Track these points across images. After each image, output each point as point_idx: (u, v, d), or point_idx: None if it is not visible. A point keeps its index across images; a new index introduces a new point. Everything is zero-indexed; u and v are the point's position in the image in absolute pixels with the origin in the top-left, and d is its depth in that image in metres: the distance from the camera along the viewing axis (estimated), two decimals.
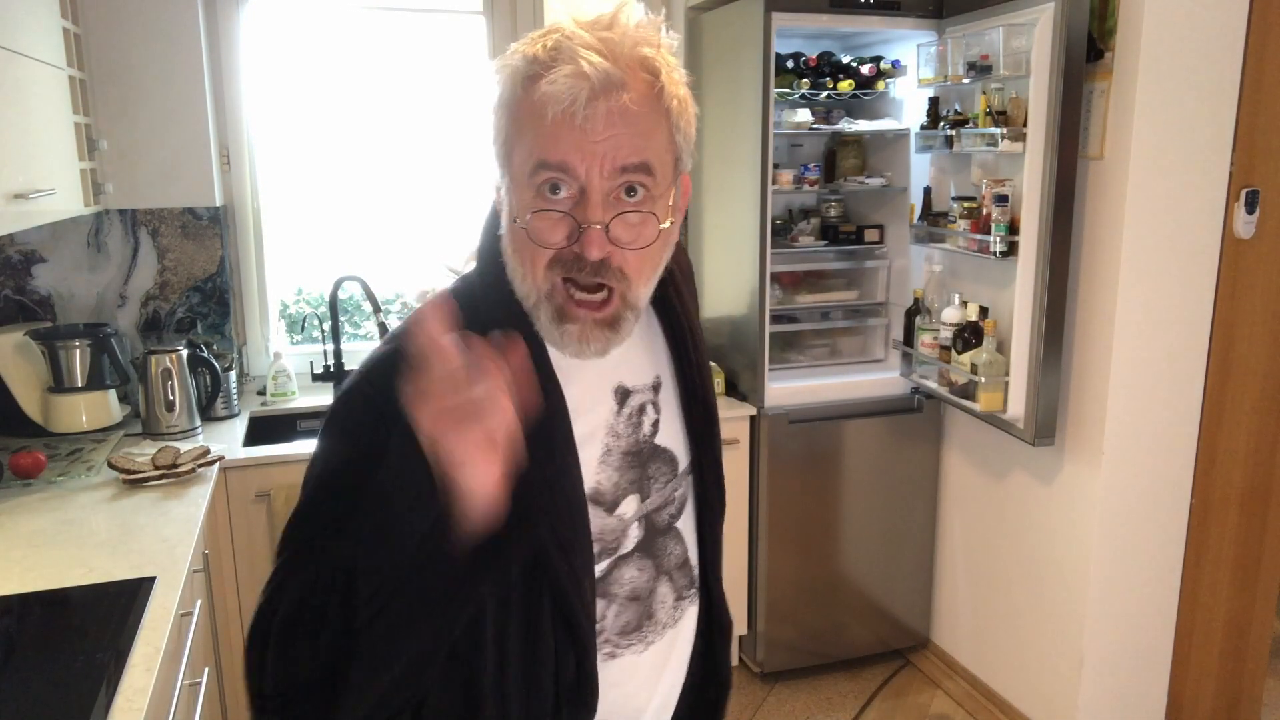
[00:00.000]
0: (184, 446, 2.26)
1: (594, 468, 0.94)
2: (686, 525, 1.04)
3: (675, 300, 1.00)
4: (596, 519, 0.94)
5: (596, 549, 0.93)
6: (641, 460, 0.98)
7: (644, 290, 0.88)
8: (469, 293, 0.92)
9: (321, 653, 0.77)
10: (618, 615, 0.98)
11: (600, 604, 0.96)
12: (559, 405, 0.89)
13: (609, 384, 0.96)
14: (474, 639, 0.88)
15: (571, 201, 0.82)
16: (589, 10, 0.84)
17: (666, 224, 0.85)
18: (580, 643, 0.91)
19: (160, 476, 2.10)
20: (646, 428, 0.98)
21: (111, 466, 2.11)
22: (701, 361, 1.03)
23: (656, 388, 0.99)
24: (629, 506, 0.97)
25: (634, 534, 0.98)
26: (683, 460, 1.02)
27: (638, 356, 0.98)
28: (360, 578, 0.76)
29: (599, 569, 0.95)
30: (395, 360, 0.78)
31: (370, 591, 0.76)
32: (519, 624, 0.89)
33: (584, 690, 0.93)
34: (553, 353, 0.90)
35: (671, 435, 1.00)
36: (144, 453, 2.22)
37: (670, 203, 0.87)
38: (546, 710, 0.91)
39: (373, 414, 0.82)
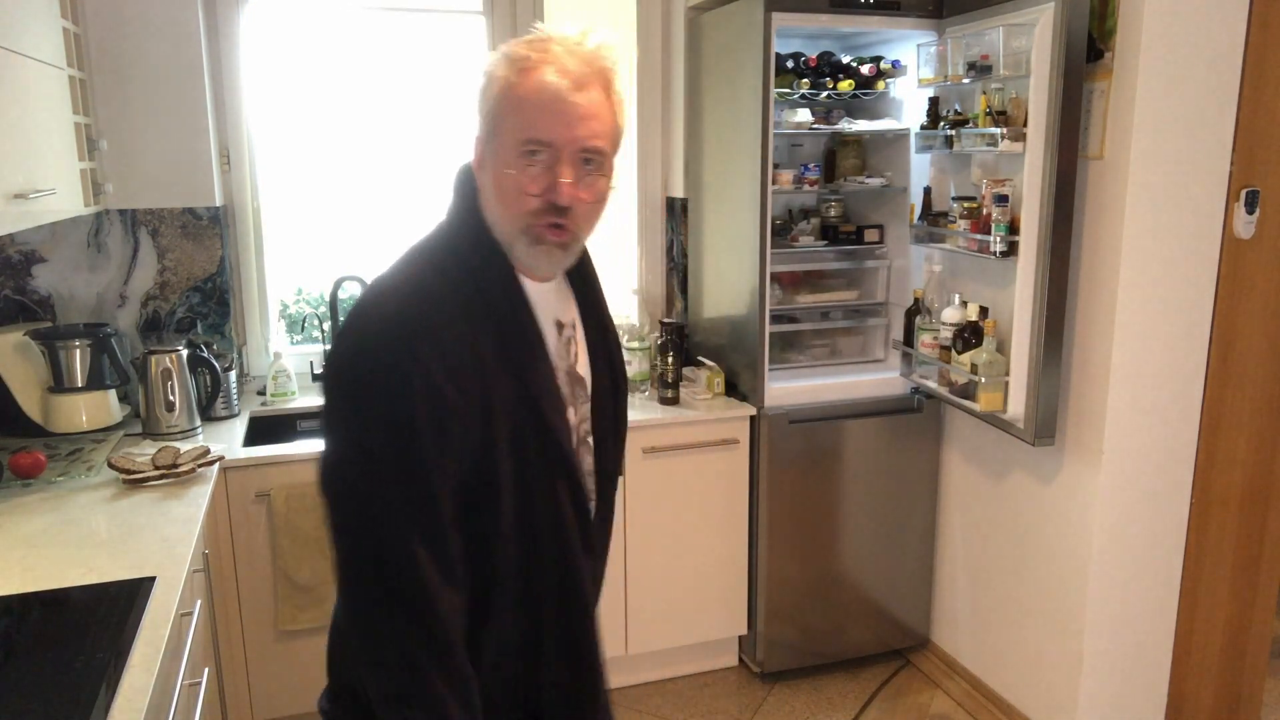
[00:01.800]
0: (184, 446, 2.26)
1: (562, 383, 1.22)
2: (594, 443, 1.28)
3: (585, 260, 1.28)
4: (568, 445, 1.20)
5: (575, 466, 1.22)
6: (571, 381, 1.23)
7: (587, 233, 1.19)
8: (449, 236, 1.19)
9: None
10: (589, 534, 1.24)
11: (587, 518, 1.24)
12: (543, 347, 1.17)
13: (551, 316, 1.21)
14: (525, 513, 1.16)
15: (547, 164, 1.11)
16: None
17: (606, 184, 1.16)
18: (582, 503, 1.21)
19: (160, 476, 2.10)
20: (572, 355, 1.24)
21: (112, 466, 2.11)
22: (602, 307, 1.30)
23: (574, 323, 1.26)
24: (572, 415, 1.22)
25: (586, 460, 1.26)
26: (590, 384, 1.27)
27: (561, 300, 1.24)
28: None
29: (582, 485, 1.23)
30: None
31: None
32: (551, 494, 1.17)
33: (591, 538, 1.23)
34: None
35: (584, 365, 1.26)
36: (144, 453, 2.22)
37: (611, 172, 1.17)
38: (578, 549, 1.20)
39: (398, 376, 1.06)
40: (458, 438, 1.06)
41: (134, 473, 2.08)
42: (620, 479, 1.37)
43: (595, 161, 1.12)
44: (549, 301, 1.20)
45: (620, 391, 1.33)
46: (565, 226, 1.13)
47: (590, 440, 1.27)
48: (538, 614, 1.19)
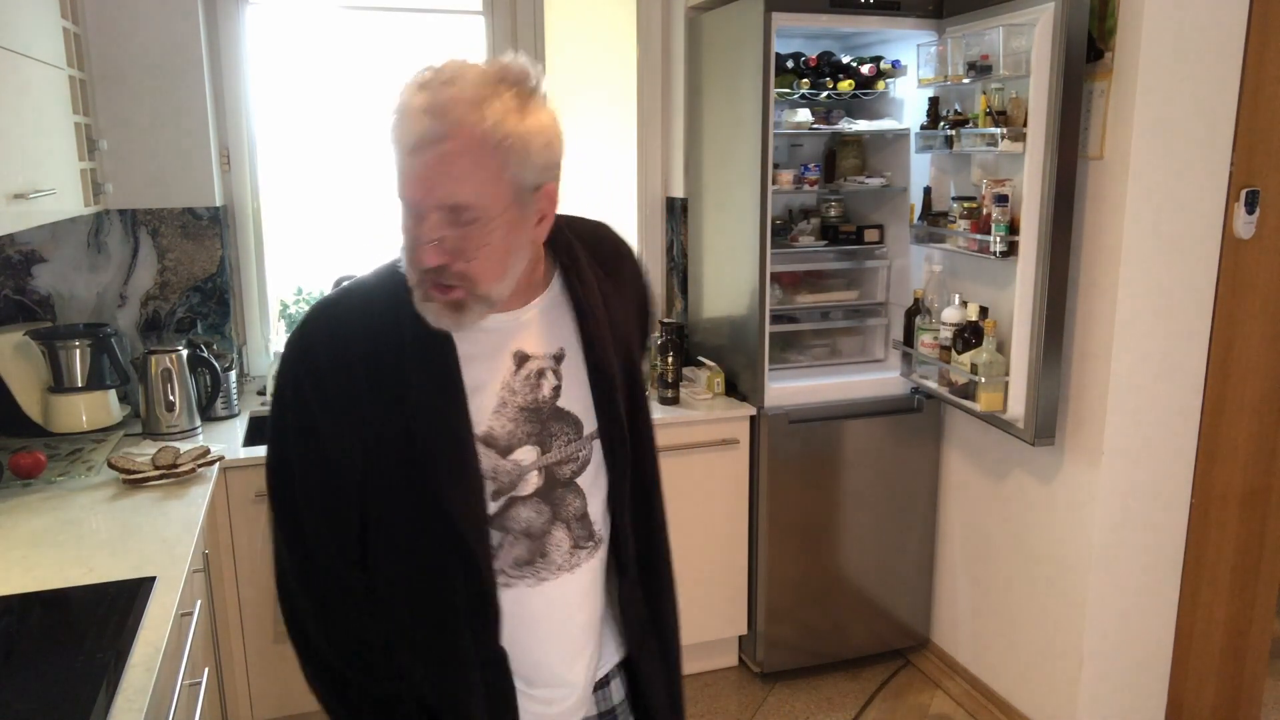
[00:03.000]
0: (184, 446, 2.26)
1: (488, 415, 1.12)
2: (590, 483, 1.19)
3: (579, 287, 1.16)
4: (489, 458, 1.11)
5: (492, 486, 1.12)
6: (541, 417, 1.14)
7: (493, 286, 1.05)
8: (391, 271, 1.11)
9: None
10: (510, 547, 1.15)
11: (496, 535, 1.14)
12: (453, 367, 1.09)
13: (508, 348, 1.13)
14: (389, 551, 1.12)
15: (413, 223, 1.03)
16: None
17: (494, 234, 1.02)
18: (470, 559, 1.10)
19: (160, 476, 2.10)
20: (546, 390, 1.15)
21: (111, 466, 2.11)
22: (602, 338, 1.16)
23: (559, 358, 1.16)
24: (526, 454, 1.14)
25: (533, 480, 1.15)
26: (588, 425, 1.17)
27: (541, 330, 1.15)
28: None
29: (496, 505, 1.13)
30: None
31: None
32: (414, 539, 1.10)
33: (483, 602, 1.12)
34: None
35: (575, 400, 1.16)
36: (144, 453, 2.22)
37: (509, 218, 1.03)
38: (459, 619, 1.11)
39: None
40: (328, 449, 1.09)
41: (134, 473, 2.08)
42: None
43: (466, 217, 1.00)
44: (500, 334, 1.12)
45: (636, 429, 1.21)
46: (453, 286, 1.03)
47: (578, 482, 1.18)
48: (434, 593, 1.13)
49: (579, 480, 1.18)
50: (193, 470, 2.15)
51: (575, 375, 1.17)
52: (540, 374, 1.14)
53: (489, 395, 1.12)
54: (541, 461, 1.15)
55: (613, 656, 1.30)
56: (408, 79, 1.03)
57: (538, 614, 1.17)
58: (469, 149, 0.98)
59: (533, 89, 1.03)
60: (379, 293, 1.11)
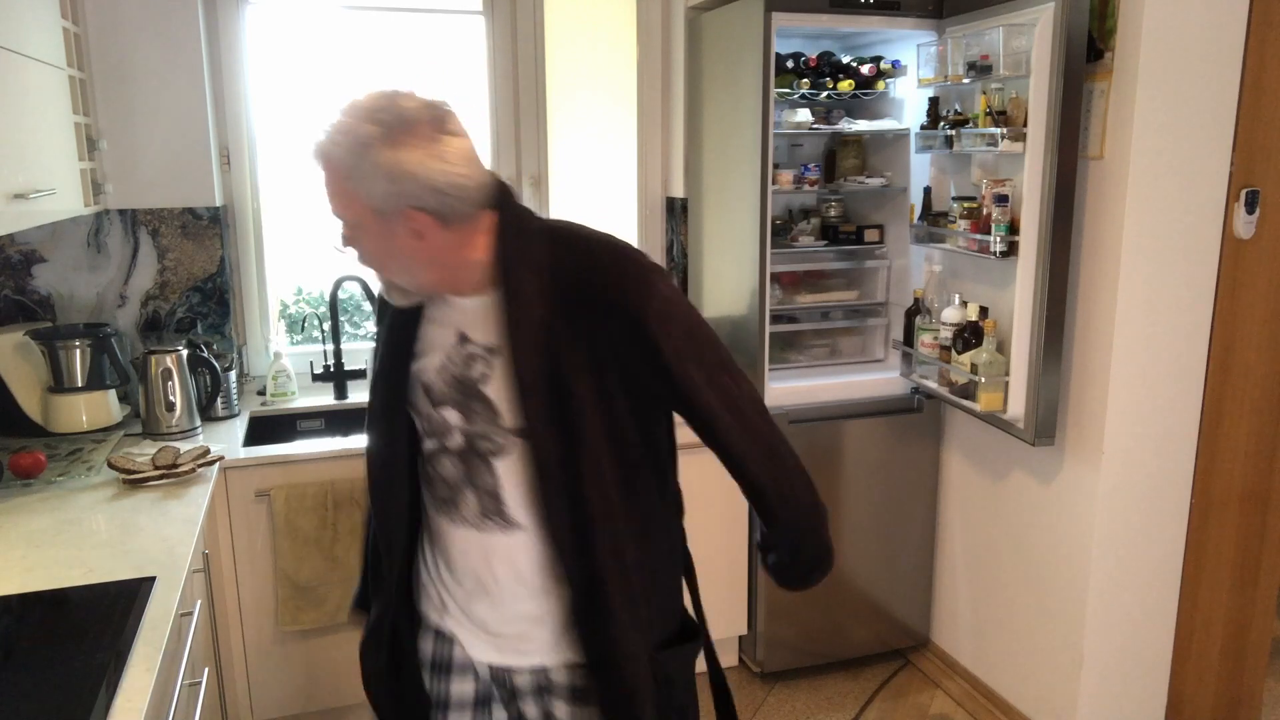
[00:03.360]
0: (184, 446, 2.26)
1: (433, 370, 1.32)
2: (507, 471, 1.30)
3: (509, 300, 1.25)
4: (425, 404, 1.33)
5: (427, 427, 1.34)
6: (466, 391, 1.30)
7: (398, 277, 1.27)
8: None
9: None
10: (438, 485, 1.36)
11: (428, 470, 1.37)
12: (414, 315, 1.34)
13: (456, 325, 1.31)
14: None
15: None
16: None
17: (371, 242, 1.22)
18: (393, 460, 1.38)
19: (160, 476, 2.10)
20: (475, 372, 1.29)
21: (111, 466, 2.11)
22: (526, 353, 1.24)
23: (492, 350, 1.29)
24: (450, 414, 1.31)
25: (456, 439, 1.32)
26: (508, 418, 1.28)
27: (482, 323, 1.29)
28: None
29: (431, 445, 1.35)
30: None
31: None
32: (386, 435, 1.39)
33: (412, 502, 1.40)
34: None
35: (499, 393, 1.28)
36: (144, 453, 2.22)
37: (376, 231, 1.20)
38: (400, 507, 1.39)
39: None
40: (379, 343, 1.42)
41: (134, 473, 2.08)
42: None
43: (346, 225, 1.22)
44: (450, 315, 1.32)
45: (570, 459, 1.26)
46: (379, 271, 1.29)
47: (494, 463, 1.29)
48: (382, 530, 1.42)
49: (495, 461, 1.30)
50: (193, 470, 2.15)
51: (500, 371, 1.27)
52: (472, 357, 1.29)
53: (436, 356, 1.32)
54: (462, 426, 1.31)
55: (536, 656, 1.36)
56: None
57: (453, 548, 1.37)
58: (330, 175, 1.18)
59: (404, 128, 1.16)
60: None
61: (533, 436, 1.25)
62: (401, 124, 1.16)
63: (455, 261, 1.25)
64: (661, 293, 1.25)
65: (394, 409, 1.35)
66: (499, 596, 1.34)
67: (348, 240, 1.23)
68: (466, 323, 1.30)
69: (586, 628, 1.30)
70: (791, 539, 1.47)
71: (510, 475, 1.29)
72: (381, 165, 1.14)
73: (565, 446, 1.25)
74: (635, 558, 1.32)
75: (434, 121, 1.18)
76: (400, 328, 1.35)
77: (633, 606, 1.31)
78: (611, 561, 1.28)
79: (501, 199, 1.27)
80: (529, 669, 1.37)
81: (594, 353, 1.24)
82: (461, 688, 1.43)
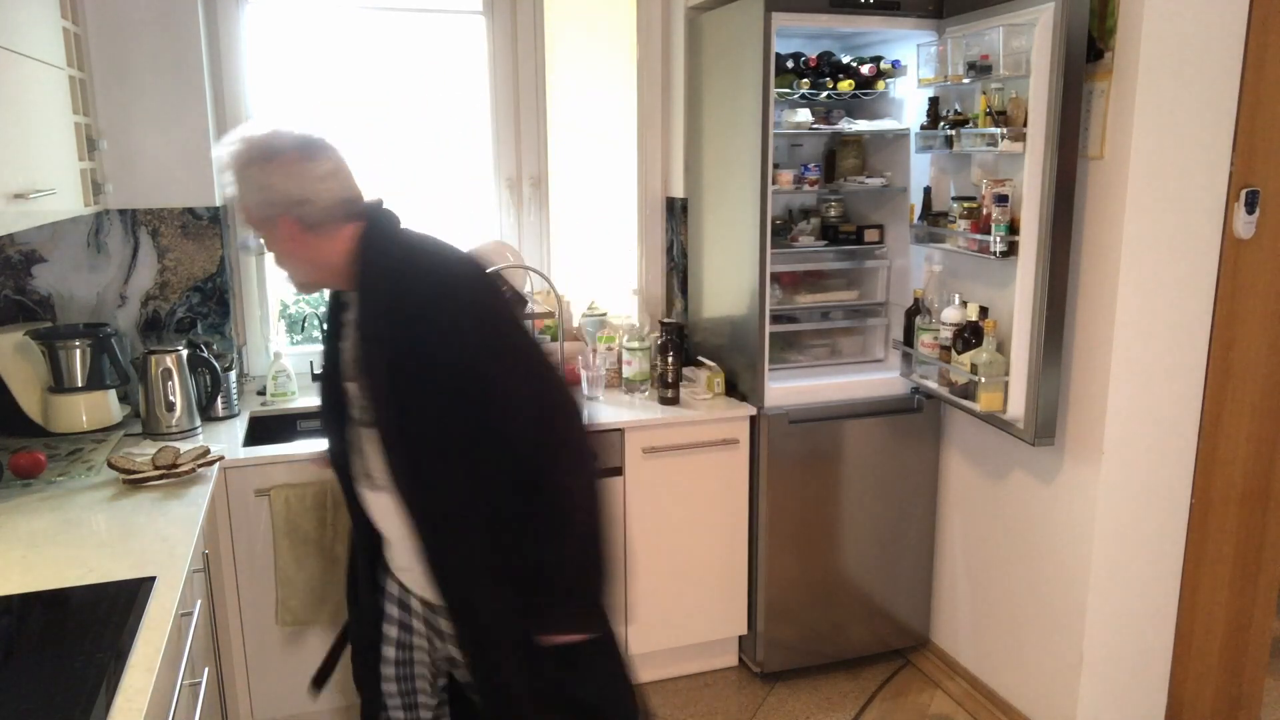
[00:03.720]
0: (184, 446, 2.26)
1: (348, 350, 1.58)
2: (370, 439, 1.54)
3: (361, 305, 1.51)
4: (345, 379, 1.60)
5: (347, 398, 1.61)
6: (357, 367, 1.55)
7: (289, 273, 1.57)
8: None
9: None
10: (358, 459, 1.63)
11: (353, 441, 1.63)
12: (340, 308, 1.63)
13: (351, 313, 1.57)
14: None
15: None
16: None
17: (270, 242, 1.54)
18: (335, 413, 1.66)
19: (160, 476, 2.10)
20: (348, 355, 1.58)
21: (111, 466, 2.11)
22: (369, 346, 1.49)
23: (350, 326, 1.56)
24: (352, 388, 1.58)
25: (356, 410, 1.58)
26: (356, 403, 1.58)
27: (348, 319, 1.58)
28: None
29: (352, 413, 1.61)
30: None
31: None
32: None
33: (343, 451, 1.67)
34: None
35: (351, 380, 1.58)
36: (144, 453, 2.22)
37: (265, 232, 1.52)
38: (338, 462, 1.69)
39: None
40: None
41: (134, 473, 2.08)
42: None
43: (252, 231, 1.53)
44: (353, 304, 1.57)
45: (381, 404, 1.50)
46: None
47: (363, 430, 1.56)
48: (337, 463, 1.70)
49: (365, 430, 1.56)
50: (192, 470, 2.15)
51: (350, 343, 1.57)
52: (348, 336, 1.58)
53: (349, 339, 1.58)
54: (358, 398, 1.56)
55: (420, 591, 1.66)
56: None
57: (371, 510, 1.64)
58: (231, 189, 1.51)
59: (272, 153, 1.47)
60: None
61: (375, 416, 1.50)
62: (271, 150, 1.46)
63: (323, 262, 1.53)
64: (451, 325, 1.45)
65: (334, 380, 1.64)
66: (390, 541, 1.65)
67: (258, 233, 1.53)
68: (353, 312, 1.56)
69: (433, 573, 1.54)
70: None
71: (371, 443, 1.54)
72: (254, 180, 1.47)
73: (398, 428, 1.48)
74: (479, 524, 1.52)
75: (300, 148, 1.48)
76: (333, 315, 1.64)
77: (472, 561, 1.52)
78: (446, 522, 1.51)
79: (369, 213, 1.55)
80: (419, 597, 1.68)
81: (410, 353, 1.46)
82: (389, 609, 1.75)
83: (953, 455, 2.92)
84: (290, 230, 1.48)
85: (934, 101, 2.69)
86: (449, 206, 3.09)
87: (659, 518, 2.79)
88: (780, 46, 2.73)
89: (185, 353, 2.55)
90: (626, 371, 2.98)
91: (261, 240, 1.53)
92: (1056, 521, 2.49)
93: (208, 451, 2.26)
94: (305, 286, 1.62)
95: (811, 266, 3.04)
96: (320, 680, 1.90)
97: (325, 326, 1.69)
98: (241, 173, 1.47)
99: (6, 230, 1.77)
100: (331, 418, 1.65)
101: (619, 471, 2.72)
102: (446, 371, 1.44)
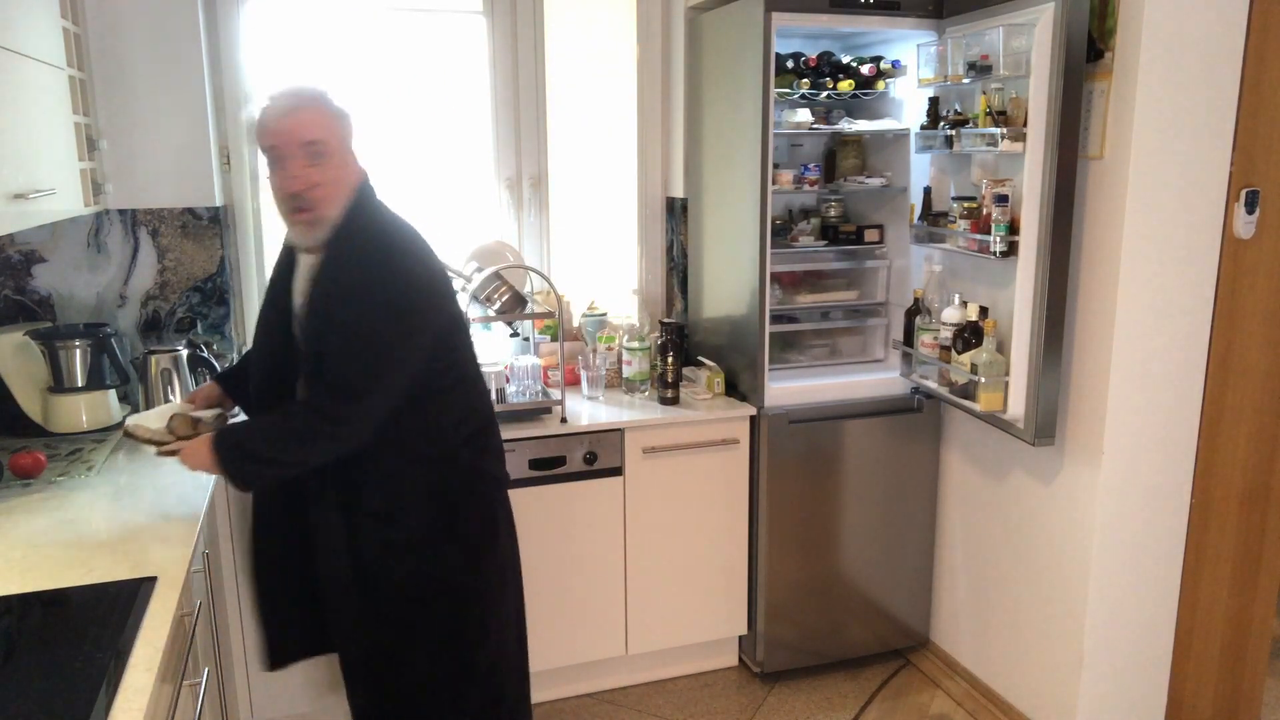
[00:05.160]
0: (203, 414, 2.12)
1: (298, 304, 1.89)
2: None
3: (313, 275, 1.85)
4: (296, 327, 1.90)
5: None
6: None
7: (332, 210, 1.80)
8: None
9: None
10: None
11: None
12: (289, 271, 1.93)
13: (305, 276, 1.88)
14: None
15: (284, 165, 1.77)
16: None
17: (335, 167, 1.79)
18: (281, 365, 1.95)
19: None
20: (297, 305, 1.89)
21: (130, 436, 2.00)
22: (308, 310, 1.85)
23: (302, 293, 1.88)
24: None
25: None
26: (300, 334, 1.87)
27: (308, 271, 1.87)
28: None
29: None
30: None
31: None
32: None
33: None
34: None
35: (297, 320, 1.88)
36: (157, 423, 2.04)
37: (340, 158, 1.81)
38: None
39: None
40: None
41: (159, 444, 1.97)
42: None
43: (318, 152, 1.75)
44: (308, 265, 1.86)
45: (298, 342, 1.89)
46: (304, 209, 1.78)
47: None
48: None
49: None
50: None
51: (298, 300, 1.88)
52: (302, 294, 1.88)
53: (300, 296, 1.88)
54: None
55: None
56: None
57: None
58: (309, 109, 1.77)
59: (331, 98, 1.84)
60: None
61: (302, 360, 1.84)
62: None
63: (343, 198, 1.82)
64: (358, 307, 1.76)
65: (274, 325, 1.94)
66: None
67: (320, 160, 1.75)
68: (306, 274, 1.87)
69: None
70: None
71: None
72: (343, 112, 1.84)
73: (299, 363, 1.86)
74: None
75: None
76: (281, 274, 1.94)
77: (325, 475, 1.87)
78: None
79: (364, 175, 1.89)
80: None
81: (324, 314, 1.80)
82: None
83: (953, 455, 2.92)
84: (351, 160, 1.83)
85: (934, 101, 2.69)
86: (449, 206, 3.09)
87: (659, 518, 2.79)
88: (780, 46, 2.73)
89: (185, 353, 2.55)
90: (626, 371, 2.98)
91: (315, 166, 1.75)
92: (1056, 521, 2.49)
93: (224, 416, 2.13)
94: (316, 232, 1.81)
95: (811, 266, 3.04)
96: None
97: (280, 274, 1.98)
98: (333, 104, 1.79)
99: (6, 230, 1.77)
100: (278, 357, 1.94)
101: (619, 471, 2.72)
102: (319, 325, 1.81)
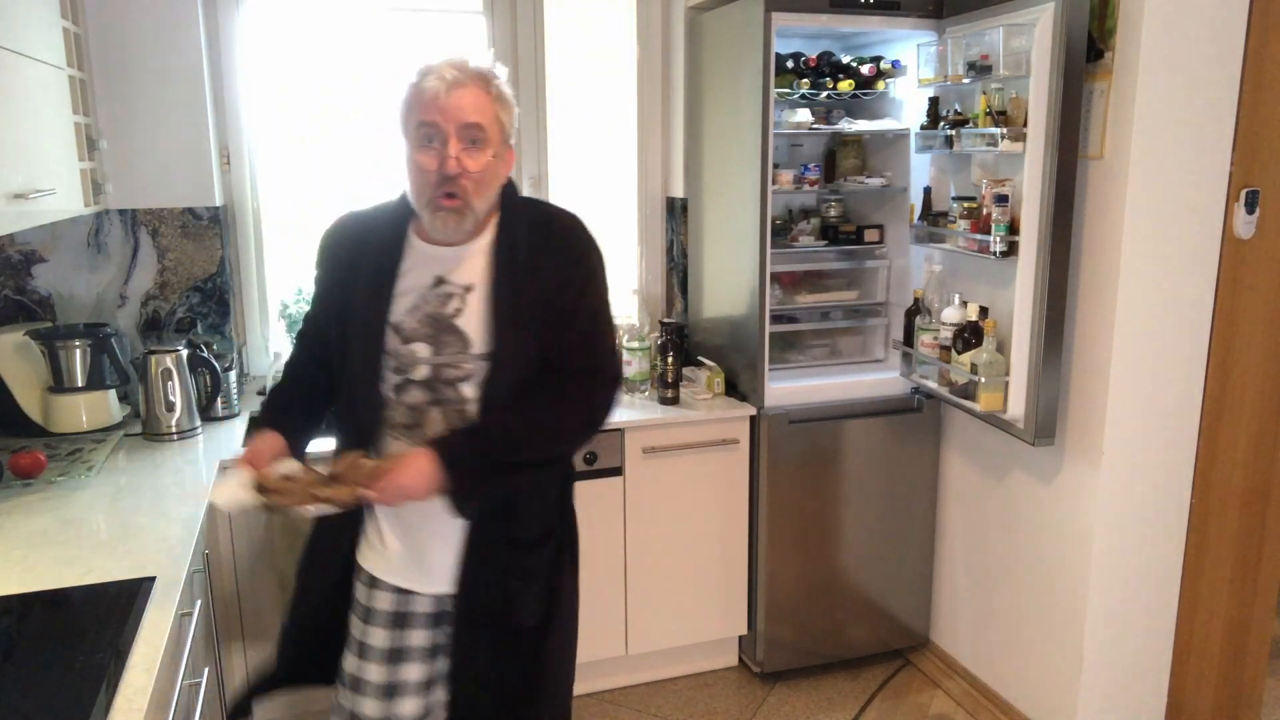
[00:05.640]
0: (288, 468, 1.57)
1: (403, 311, 1.59)
2: (470, 390, 1.58)
3: (505, 241, 1.61)
4: (394, 341, 1.58)
5: (393, 363, 1.59)
6: (438, 327, 1.58)
7: (481, 202, 1.56)
8: (387, 204, 1.69)
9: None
10: (401, 414, 1.60)
11: (391, 400, 1.60)
12: (391, 268, 1.61)
13: (433, 272, 1.60)
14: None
15: (439, 146, 1.51)
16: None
17: (491, 157, 1.54)
18: (369, 406, 1.61)
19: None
20: (449, 309, 1.58)
21: (273, 507, 1.51)
22: (511, 284, 1.58)
23: (469, 289, 1.59)
24: (420, 349, 1.58)
25: (423, 370, 1.58)
26: (479, 346, 1.57)
27: (460, 267, 1.60)
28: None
29: (397, 379, 1.59)
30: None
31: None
32: (342, 371, 1.66)
33: (372, 441, 1.62)
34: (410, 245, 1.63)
35: (472, 325, 1.57)
36: (244, 494, 1.51)
37: (495, 154, 1.55)
38: (357, 431, 1.64)
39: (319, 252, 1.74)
40: (321, 285, 1.73)
41: (318, 497, 1.49)
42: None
43: (478, 139, 1.51)
44: (439, 259, 1.60)
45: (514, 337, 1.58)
46: (454, 195, 1.52)
47: (460, 386, 1.58)
48: (348, 425, 1.68)
49: (461, 384, 1.58)
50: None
51: (476, 305, 1.58)
52: (449, 296, 1.58)
53: (408, 298, 1.59)
54: (431, 359, 1.57)
55: (443, 582, 1.65)
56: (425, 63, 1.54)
57: None
58: (480, 89, 1.52)
59: (503, 72, 1.57)
60: (369, 214, 1.70)
61: (499, 358, 1.56)
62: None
63: (496, 194, 1.60)
64: (599, 280, 1.66)
65: (373, 348, 1.58)
66: (448, 520, 1.61)
67: (476, 146, 1.51)
68: (445, 268, 1.60)
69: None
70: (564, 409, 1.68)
71: (472, 394, 1.58)
72: (512, 102, 1.58)
73: (517, 365, 1.57)
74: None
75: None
76: (375, 276, 1.61)
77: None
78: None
79: None
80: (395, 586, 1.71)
81: (540, 291, 1.58)
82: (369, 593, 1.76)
83: (953, 455, 2.92)
84: (508, 155, 1.60)
85: (934, 101, 2.69)
86: None
87: (659, 518, 2.79)
88: (780, 46, 2.73)
89: (185, 353, 2.55)
90: (626, 371, 2.98)
91: (476, 151, 1.52)
92: (1056, 521, 2.49)
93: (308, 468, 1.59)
94: (464, 221, 1.55)
95: (811, 266, 3.04)
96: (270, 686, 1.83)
97: (359, 294, 1.60)
98: (503, 88, 1.55)
99: (6, 230, 1.77)
100: (373, 386, 1.59)
101: (619, 471, 2.72)
102: (590, 304, 1.63)
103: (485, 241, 1.60)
